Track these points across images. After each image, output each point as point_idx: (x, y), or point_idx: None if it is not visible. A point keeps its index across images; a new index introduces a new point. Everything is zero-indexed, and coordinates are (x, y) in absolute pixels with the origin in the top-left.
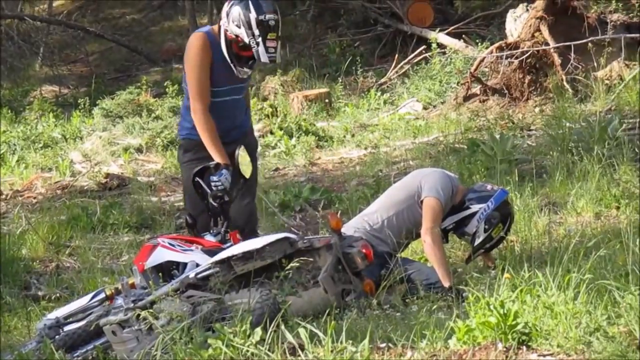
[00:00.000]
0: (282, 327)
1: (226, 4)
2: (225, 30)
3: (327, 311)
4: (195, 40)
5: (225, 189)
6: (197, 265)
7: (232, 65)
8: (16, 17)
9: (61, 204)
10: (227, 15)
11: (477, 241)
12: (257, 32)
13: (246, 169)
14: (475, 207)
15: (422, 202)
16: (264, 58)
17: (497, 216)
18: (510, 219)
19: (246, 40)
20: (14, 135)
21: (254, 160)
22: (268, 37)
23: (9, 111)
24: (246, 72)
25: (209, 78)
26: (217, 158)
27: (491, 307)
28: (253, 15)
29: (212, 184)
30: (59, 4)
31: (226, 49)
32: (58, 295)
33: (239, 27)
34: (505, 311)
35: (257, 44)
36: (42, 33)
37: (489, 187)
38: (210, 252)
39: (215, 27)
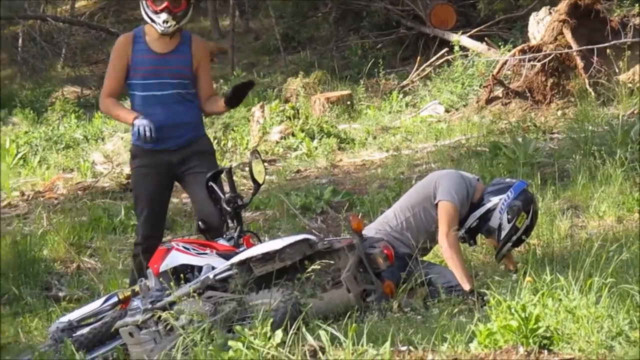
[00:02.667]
0: (303, 329)
1: None
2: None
3: (347, 313)
4: (118, 39)
5: (150, 129)
6: (213, 268)
7: (153, 24)
8: (39, 17)
9: (82, 205)
10: None
11: (503, 234)
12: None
13: (259, 175)
14: (495, 199)
15: (436, 204)
16: (163, 17)
17: (518, 204)
18: (534, 206)
19: (151, 14)
20: (35, 136)
21: (208, 165)
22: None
23: (31, 112)
24: (171, 24)
25: (131, 74)
26: (128, 118)
27: (512, 310)
28: None
29: (138, 128)
30: (81, 5)
31: (145, 15)
32: (79, 296)
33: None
34: (527, 315)
35: (156, 12)
36: (64, 34)
37: (507, 180)
38: (225, 255)
39: (146, 25)
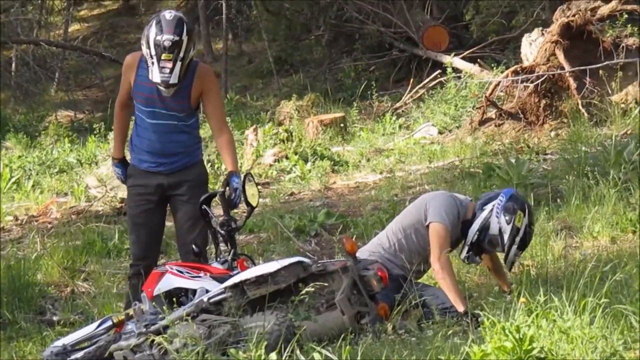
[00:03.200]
0: (297, 351)
1: None
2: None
3: (342, 336)
4: (127, 57)
5: (120, 179)
6: (207, 291)
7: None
8: (32, 42)
9: (76, 229)
10: (142, 33)
11: (506, 237)
12: (153, 51)
13: (253, 198)
14: (488, 207)
15: (428, 226)
16: (155, 78)
17: (512, 204)
18: (527, 204)
19: (148, 59)
20: (29, 160)
21: (195, 195)
22: (162, 57)
23: (25, 136)
24: (167, 89)
25: (134, 96)
26: (113, 152)
27: (507, 331)
28: (152, 35)
29: (115, 175)
30: (74, 29)
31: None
32: (73, 320)
33: (143, 46)
34: (521, 336)
35: (152, 63)
36: (57, 58)
37: (494, 191)
38: (219, 278)
39: None
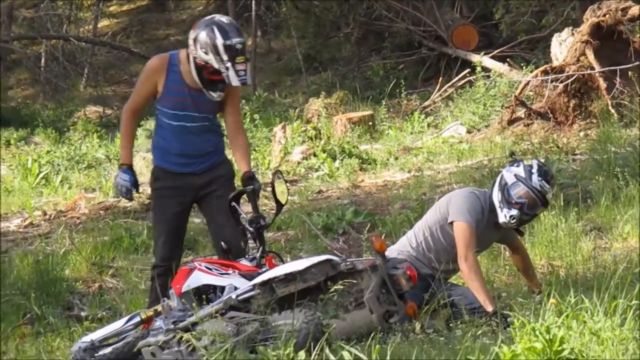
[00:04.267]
0: (326, 350)
1: (192, 31)
2: (195, 58)
3: (370, 335)
4: (153, 59)
5: (127, 189)
6: (235, 288)
7: (204, 89)
8: (61, 37)
9: (104, 225)
10: (195, 42)
11: (523, 175)
12: (225, 57)
13: (282, 195)
14: (496, 180)
15: (451, 224)
16: (234, 82)
17: (514, 161)
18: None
19: (216, 65)
20: (57, 156)
21: (228, 190)
22: (236, 60)
23: (53, 131)
24: (219, 95)
25: (160, 100)
26: (121, 158)
27: (537, 332)
28: (220, 40)
29: (117, 186)
30: (103, 25)
31: (197, 76)
32: (101, 315)
33: (207, 54)
34: (551, 337)
35: (227, 68)
36: (86, 54)
37: None
38: (248, 276)
39: (183, 52)
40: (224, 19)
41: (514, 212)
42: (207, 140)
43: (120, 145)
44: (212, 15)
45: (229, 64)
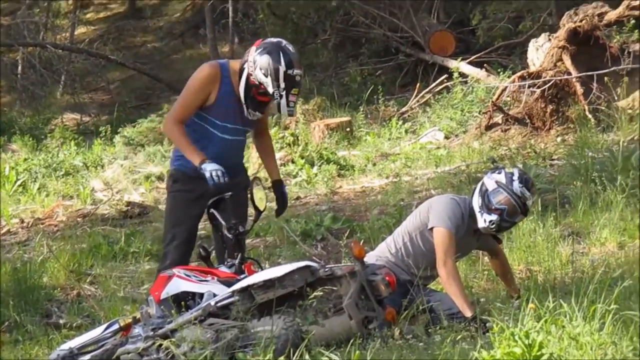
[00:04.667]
0: (306, 356)
1: (254, 48)
2: (250, 74)
3: (350, 340)
4: (206, 68)
5: (223, 172)
6: (214, 295)
7: (244, 106)
8: (38, 45)
9: (82, 232)
10: (255, 61)
11: (504, 181)
12: (283, 85)
13: (260, 202)
14: (477, 186)
15: (431, 230)
16: (284, 111)
17: (496, 168)
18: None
19: (270, 90)
20: (35, 163)
21: (243, 198)
22: (292, 91)
23: (31, 139)
24: (257, 115)
25: (209, 109)
26: (195, 159)
27: (516, 337)
28: (282, 68)
29: (212, 173)
30: (80, 32)
31: (244, 91)
32: (79, 323)
33: (266, 77)
34: (530, 342)
35: (281, 96)
36: (63, 61)
37: None
38: (227, 282)
39: (235, 63)
40: (290, 47)
41: (494, 217)
42: (241, 153)
43: (188, 151)
44: (279, 40)
45: (284, 92)
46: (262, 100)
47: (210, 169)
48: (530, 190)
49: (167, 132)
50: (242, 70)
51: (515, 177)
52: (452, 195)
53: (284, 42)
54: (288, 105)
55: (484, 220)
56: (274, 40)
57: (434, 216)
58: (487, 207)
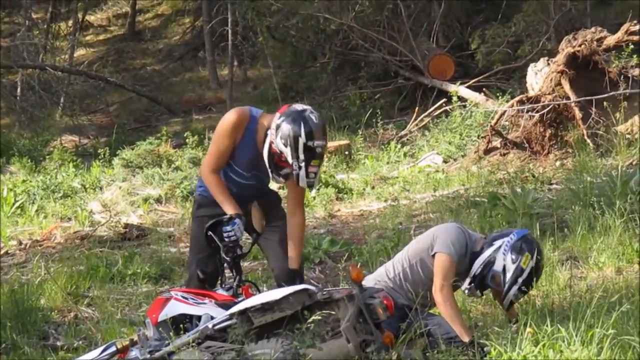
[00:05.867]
0: None
1: (278, 114)
2: (271, 142)
3: None
4: (233, 115)
5: (237, 239)
6: (212, 318)
7: (269, 171)
8: (37, 67)
9: (80, 254)
10: (277, 128)
11: (509, 275)
12: (302, 156)
13: (258, 223)
14: (498, 242)
15: (433, 256)
16: (302, 183)
17: (521, 244)
18: (537, 247)
19: (289, 160)
20: (33, 185)
21: (274, 198)
22: (311, 163)
23: (29, 160)
24: (281, 181)
25: (235, 154)
26: (228, 210)
27: None
28: (302, 139)
29: (225, 234)
30: (80, 55)
31: (267, 158)
32: (76, 345)
33: (286, 146)
34: None
35: (299, 167)
36: (62, 83)
37: (508, 229)
38: (224, 305)
39: (265, 119)
40: (314, 116)
41: (475, 290)
42: (264, 187)
43: (224, 202)
44: (304, 109)
45: (302, 164)
46: (285, 166)
47: (232, 229)
48: (528, 289)
49: (205, 180)
50: (266, 134)
51: (525, 275)
52: (459, 225)
53: (309, 109)
54: (307, 177)
55: (468, 283)
56: (299, 108)
57: (439, 242)
58: (480, 278)
